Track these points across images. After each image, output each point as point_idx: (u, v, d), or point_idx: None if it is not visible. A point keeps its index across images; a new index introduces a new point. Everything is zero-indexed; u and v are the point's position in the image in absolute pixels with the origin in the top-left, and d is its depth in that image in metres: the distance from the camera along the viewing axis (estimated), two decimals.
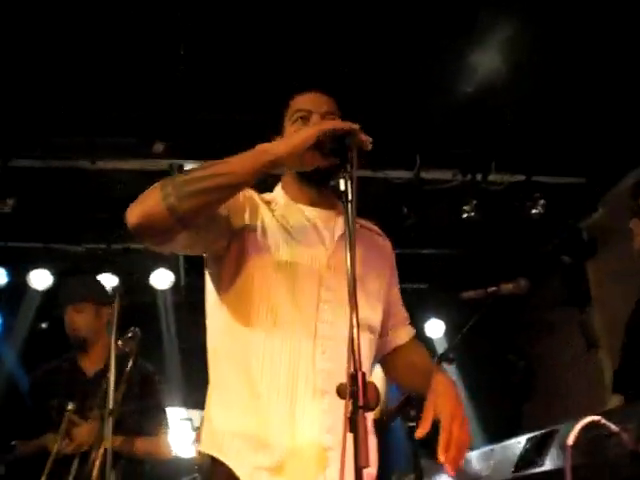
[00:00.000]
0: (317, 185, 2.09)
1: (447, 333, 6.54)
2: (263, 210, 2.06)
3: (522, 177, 4.97)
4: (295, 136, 1.80)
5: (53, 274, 5.57)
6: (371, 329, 2.07)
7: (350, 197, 1.75)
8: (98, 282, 4.04)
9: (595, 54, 4.13)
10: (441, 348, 6.41)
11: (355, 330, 1.59)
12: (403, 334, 2.25)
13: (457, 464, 1.78)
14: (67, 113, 4.41)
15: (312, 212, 2.10)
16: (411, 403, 2.73)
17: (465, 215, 4.83)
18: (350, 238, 1.70)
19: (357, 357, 1.60)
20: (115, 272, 5.58)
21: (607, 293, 5.46)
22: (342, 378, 1.61)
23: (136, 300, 5.39)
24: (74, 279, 4.11)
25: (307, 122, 2.08)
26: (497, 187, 4.94)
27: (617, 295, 4.99)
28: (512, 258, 5.50)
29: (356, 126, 1.74)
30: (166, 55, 4.06)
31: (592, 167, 5.08)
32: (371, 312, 2.07)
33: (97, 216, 5.41)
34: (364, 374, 1.61)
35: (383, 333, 2.18)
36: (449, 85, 4.38)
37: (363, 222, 2.22)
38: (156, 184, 1.76)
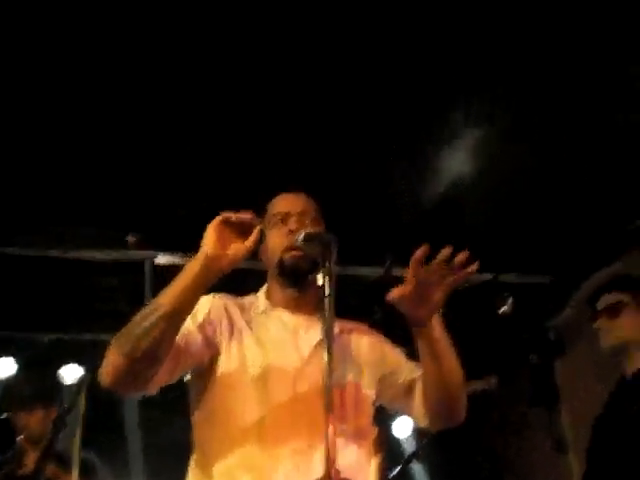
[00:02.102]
0: (296, 284, 2.12)
1: (415, 431, 6.46)
2: (237, 320, 2.10)
3: (489, 276, 5.04)
4: (205, 235, 1.87)
5: (17, 362, 5.45)
6: (359, 435, 2.04)
7: (328, 292, 1.79)
8: (46, 380, 4.05)
9: (561, 157, 4.26)
10: (409, 447, 6.34)
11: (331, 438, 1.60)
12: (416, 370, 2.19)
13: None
14: (38, 201, 4.41)
15: (291, 319, 2.14)
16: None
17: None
18: (328, 333, 1.73)
19: (330, 466, 1.59)
20: (81, 363, 5.48)
21: (576, 393, 5.46)
22: None
23: (100, 394, 5.28)
24: (23, 379, 4.13)
25: (285, 224, 2.15)
26: (465, 285, 4.97)
27: (586, 395, 5.00)
28: (480, 357, 5.50)
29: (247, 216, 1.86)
30: (141, 146, 4.11)
31: (559, 266, 5.17)
32: (355, 418, 2.05)
33: (65, 306, 5.37)
34: (337, 471, 1.61)
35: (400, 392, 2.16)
36: (418, 185, 4.48)
37: (346, 324, 2.23)
38: (108, 349, 1.82)
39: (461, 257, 1.81)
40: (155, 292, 5.25)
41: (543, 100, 3.93)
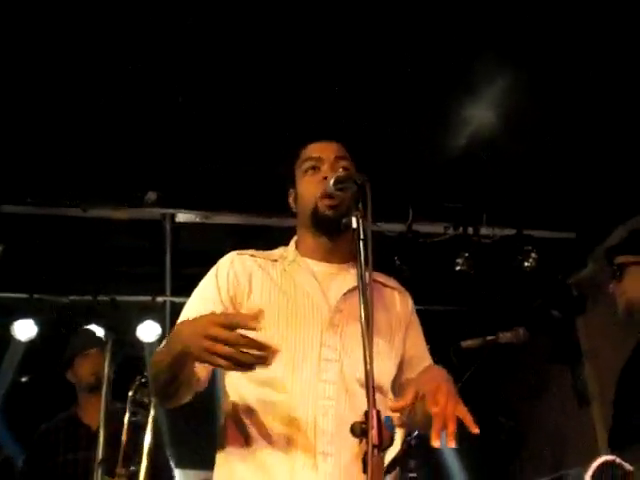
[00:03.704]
0: (329, 233, 2.07)
1: None
2: (261, 275, 2.05)
3: (513, 231, 5.00)
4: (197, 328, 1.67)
5: (38, 325, 5.46)
6: (378, 389, 2.01)
7: (363, 235, 1.74)
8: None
9: (587, 109, 4.19)
10: None
11: (369, 367, 1.57)
12: None
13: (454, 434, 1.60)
14: (59, 160, 4.38)
15: (320, 268, 2.08)
16: (411, 453, 2.68)
17: (458, 268, 4.84)
18: (362, 278, 1.68)
19: (372, 395, 1.57)
20: (101, 324, 5.50)
21: (598, 348, 5.44)
22: (345, 439, 1.56)
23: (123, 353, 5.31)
24: (80, 331, 4.17)
25: (318, 171, 2.09)
26: (488, 240, 4.97)
27: (608, 350, 4.98)
28: (503, 312, 5.48)
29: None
30: (162, 104, 4.06)
31: (582, 221, 5.12)
32: (378, 372, 2.02)
33: (85, 266, 5.37)
34: (379, 412, 1.58)
35: (403, 386, 2.07)
36: (442, 139, 4.42)
37: (378, 276, 2.14)
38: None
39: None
40: (175, 250, 5.24)
41: (571, 53, 3.85)
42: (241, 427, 1.92)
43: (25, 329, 5.46)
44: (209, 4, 3.48)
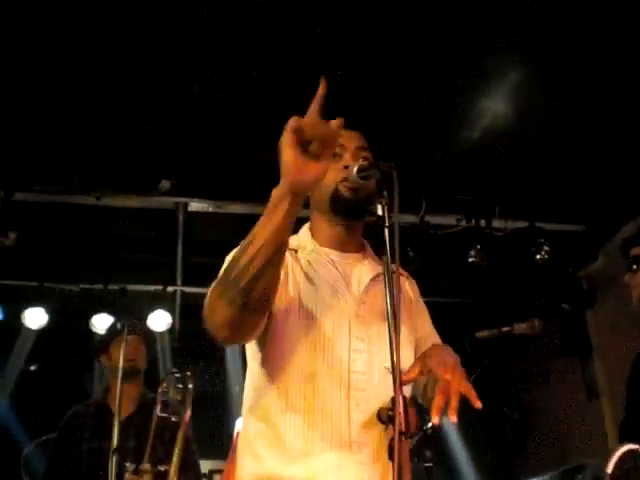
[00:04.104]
0: (348, 219, 2.06)
1: None
2: (291, 264, 2.01)
3: (525, 223, 5.00)
4: (282, 159, 1.55)
5: (48, 313, 5.47)
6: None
7: (387, 222, 1.74)
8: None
9: (599, 103, 4.19)
10: None
11: (395, 355, 1.58)
12: None
13: (455, 409, 1.65)
14: (73, 148, 4.39)
15: (340, 258, 2.07)
16: (427, 442, 2.67)
17: (470, 260, 4.84)
18: (389, 267, 1.68)
19: (398, 383, 1.58)
20: (111, 313, 5.51)
21: (608, 342, 5.45)
22: (376, 428, 1.56)
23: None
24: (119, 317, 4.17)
25: (340, 158, 2.06)
26: (500, 233, 4.98)
27: (618, 344, 4.98)
28: (514, 304, 5.49)
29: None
30: (176, 92, 4.06)
31: (593, 215, 5.12)
32: (403, 360, 2.03)
33: (95, 255, 5.38)
34: (405, 399, 1.58)
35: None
36: (455, 131, 4.42)
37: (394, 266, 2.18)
38: (208, 297, 1.70)
39: None
40: (187, 239, 5.28)
41: (585, 46, 3.84)
42: (270, 419, 1.90)
43: (36, 317, 5.46)
44: None
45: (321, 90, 1.57)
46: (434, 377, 1.79)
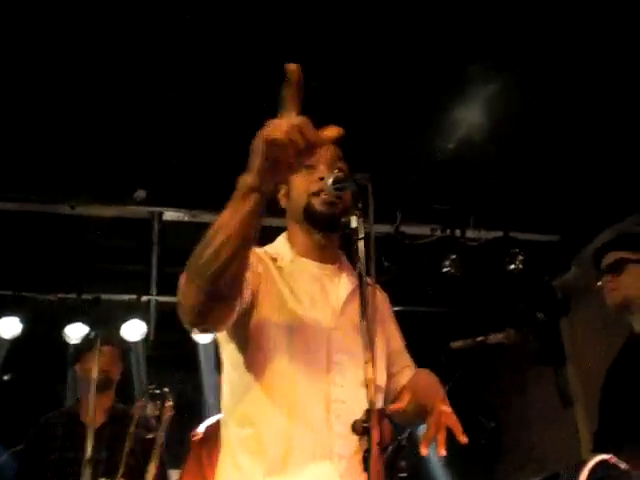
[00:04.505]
0: (324, 230, 2.06)
1: None
2: (273, 272, 2.01)
3: (500, 233, 5.03)
4: (251, 162, 1.57)
5: (22, 322, 5.41)
6: (378, 389, 1.97)
7: (361, 235, 1.74)
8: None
9: (574, 113, 4.23)
10: None
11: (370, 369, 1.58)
12: (409, 374, 2.14)
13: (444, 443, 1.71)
14: (48, 157, 4.35)
15: (319, 269, 2.07)
16: (402, 453, 2.68)
17: (445, 270, 4.87)
18: (363, 279, 1.69)
19: (372, 394, 1.58)
20: (86, 322, 5.47)
21: (582, 350, 5.49)
22: (355, 440, 1.57)
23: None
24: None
25: (314, 170, 2.05)
26: (475, 243, 5.01)
27: (592, 352, 5.02)
28: (489, 314, 5.51)
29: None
30: (152, 102, 4.05)
31: (567, 225, 5.17)
32: (380, 372, 2.00)
33: (70, 264, 5.34)
34: (380, 410, 1.59)
35: (387, 382, 2.10)
36: (430, 141, 4.44)
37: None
38: (180, 283, 1.67)
39: None
40: (162, 248, 5.23)
41: (558, 59, 3.89)
42: (252, 428, 1.88)
43: (9, 327, 5.41)
44: (199, 4, 3.48)
45: (293, 77, 1.56)
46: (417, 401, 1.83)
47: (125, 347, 5.59)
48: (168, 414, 2.94)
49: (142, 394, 2.97)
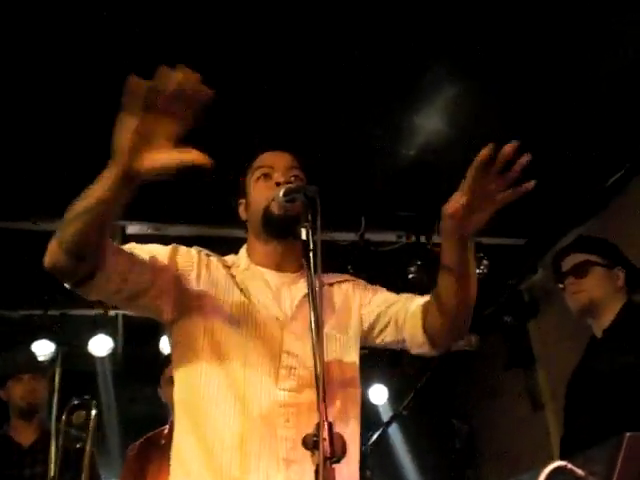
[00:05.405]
0: (281, 236, 2.08)
1: (390, 399, 6.50)
2: (224, 277, 2.04)
3: None
4: (115, 139, 1.74)
5: None
6: (346, 383, 2.02)
7: (312, 246, 1.75)
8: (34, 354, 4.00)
9: (536, 116, 4.25)
10: (385, 414, 6.38)
11: (320, 378, 1.57)
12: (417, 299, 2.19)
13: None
14: (8, 172, 4.29)
15: (273, 276, 2.09)
16: (366, 464, 2.68)
17: (411, 276, 4.87)
18: (312, 288, 1.69)
19: (323, 408, 1.57)
20: (52, 339, 5.41)
21: (550, 353, 5.52)
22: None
23: (73, 368, 5.23)
24: (18, 350, 4.08)
25: (270, 178, 2.10)
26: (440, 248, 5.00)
27: (560, 355, 5.05)
28: None
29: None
30: (111, 114, 4.01)
31: (532, 228, 5.19)
32: (344, 368, 2.03)
33: (34, 280, 5.27)
34: (330, 424, 1.58)
35: (392, 326, 2.14)
36: (392, 148, 4.45)
37: (330, 277, 2.20)
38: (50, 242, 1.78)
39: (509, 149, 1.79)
40: None
41: (515, 62, 3.90)
42: (200, 434, 1.89)
43: None
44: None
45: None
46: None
47: (91, 361, 5.57)
48: (93, 423, 3.00)
49: (66, 408, 2.99)
